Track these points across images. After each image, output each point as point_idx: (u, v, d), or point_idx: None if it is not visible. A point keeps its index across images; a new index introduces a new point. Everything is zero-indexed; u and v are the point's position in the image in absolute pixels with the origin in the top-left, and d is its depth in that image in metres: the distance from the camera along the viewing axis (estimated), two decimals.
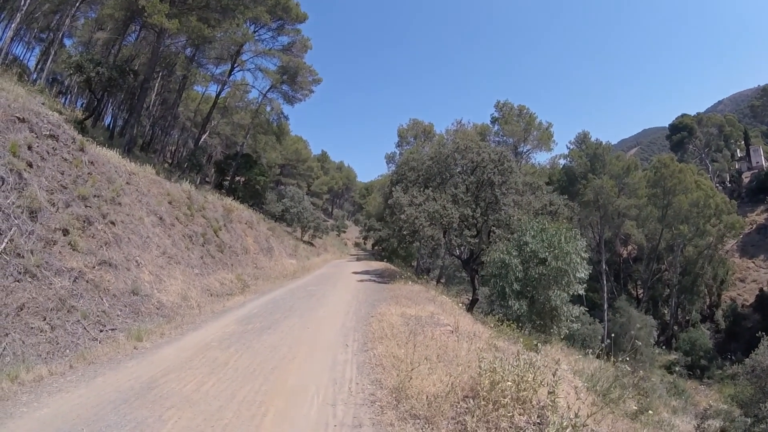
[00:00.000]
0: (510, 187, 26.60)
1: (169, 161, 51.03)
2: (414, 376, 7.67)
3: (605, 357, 10.08)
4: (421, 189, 26.91)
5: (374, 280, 26.20)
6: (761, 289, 62.35)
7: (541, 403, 6.56)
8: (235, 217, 27.83)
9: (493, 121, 56.63)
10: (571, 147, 61.99)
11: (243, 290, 19.32)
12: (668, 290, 62.14)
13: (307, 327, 12.86)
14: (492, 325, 14.40)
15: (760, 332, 24.01)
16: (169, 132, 55.35)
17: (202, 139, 43.59)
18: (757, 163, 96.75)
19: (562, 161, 62.57)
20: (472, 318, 16.44)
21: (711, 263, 61.21)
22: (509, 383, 6.56)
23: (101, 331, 10.33)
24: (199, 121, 48.93)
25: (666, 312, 61.42)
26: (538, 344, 11.39)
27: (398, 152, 55.52)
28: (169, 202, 19.83)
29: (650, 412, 12.02)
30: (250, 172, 46.45)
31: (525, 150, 55.67)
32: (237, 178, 47.18)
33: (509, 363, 7.19)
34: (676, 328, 57.48)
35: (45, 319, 9.28)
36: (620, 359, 8.55)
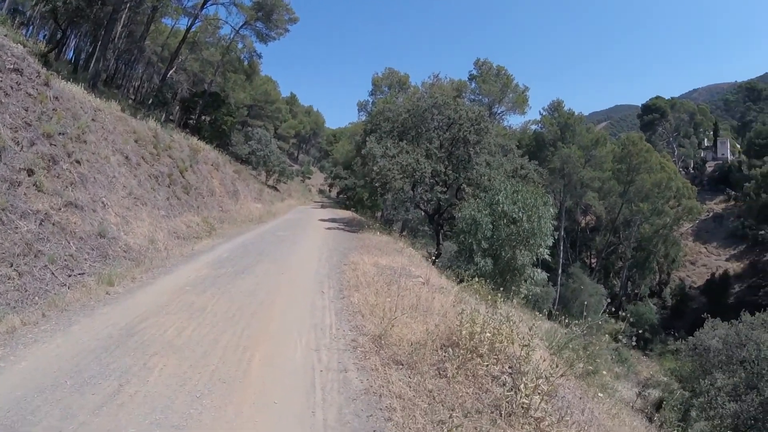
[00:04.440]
0: (483, 147, 26.53)
1: (133, 97, 48.59)
2: (394, 324, 7.84)
3: (556, 319, 10.27)
4: (396, 141, 26.60)
5: (342, 229, 26.23)
6: (712, 274, 65.49)
7: (515, 356, 6.88)
8: (202, 157, 26.88)
9: (471, 78, 55.85)
10: (544, 113, 61.84)
11: (210, 233, 18.81)
12: (621, 263, 64.16)
13: (281, 273, 12.80)
14: (458, 280, 14.58)
15: (705, 314, 25.08)
16: (134, 66, 52.45)
17: (168, 75, 41.73)
18: (723, 155, 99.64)
19: (533, 126, 62.54)
20: (438, 271, 16.53)
21: (665, 243, 63.12)
22: (488, 335, 6.98)
23: (70, 276, 9.70)
24: (167, 56, 46.26)
25: (617, 283, 63.53)
26: (501, 301, 11.52)
27: (371, 101, 54.22)
28: (135, 141, 18.78)
29: (604, 372, 12.46)
30: (217, 112, 44.81)
31: (499, 111, 55.36)
32: (203, 117, 45.64)
33: (486, 316, 7.54)
34: (624, 299, 59.40)
35: (12, 266, 8.61)
36: (572, 323, 8.72)
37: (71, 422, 4.77)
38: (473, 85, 55.45)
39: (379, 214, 47.18)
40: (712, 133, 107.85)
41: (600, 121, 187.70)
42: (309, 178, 79.73)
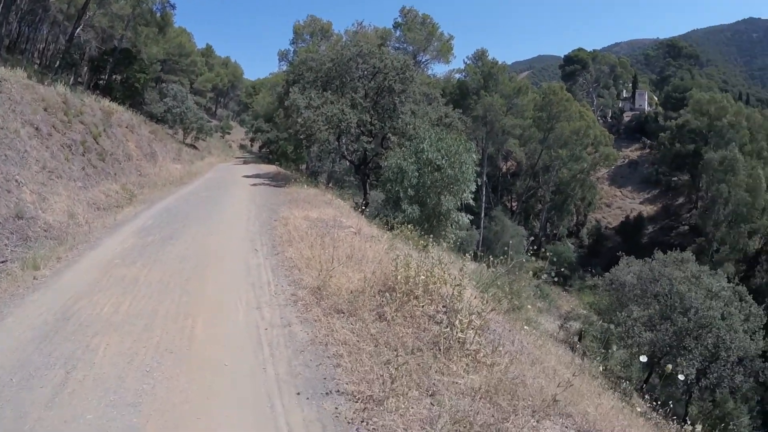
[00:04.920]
0: (409, 96, 26.49)
1: (38, 62, 44.97)
2: (331, 275, 7.95)
3: (481, 260, 10.68)
4: (320, 91, 25.94)
5: (268, 184, 25.82)
6: (627, 216, 70.14)
7: (448, 295, 7.11)
8: (115, 120, 25.29)
9: (396, 26, 54.74)
10: (468, 63, 62.31)
11: (131, 201, 18.03)
12: (540, 206, 67.10)
13: (210, 234, 12.58)
14: (388, 227, 14.79)
15: (620, 252, 26.83)
16: (39, 28, 48.08)
17: (76, 34, 38.72)
18: (640, 106, 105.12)
19: (458, 75, 62.89)
20: (367, 221, 16.67)
21: (582, 186, 66.55)
22: (422, 277, 7.26)
23: None
24: (73, 13, 42.25)
25: (537, 225, 66.66)
26: (429, 245, 11.83)
27: (293, 50, 52.53)
28: (45, 109, 17.36)
29: (529, 307, 13.09)
30: (129, 69, 42.02)
31: (424, 60, 54.82)
32: (114, 77, 42.78)
33: (419, 260, 7.87)
34: (544, 240, 62.07)
35: None
36: (495, 263, 9.15)
37: (26, 421, 4.51)
38: (398, 33, 54.56)
39: (304, 166, 46.29)
40: (631, 85, 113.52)
41: (523, 70, 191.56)
42: (229, 134, 77.05)
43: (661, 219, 70.52)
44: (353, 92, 26.15)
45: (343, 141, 26.82)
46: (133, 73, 42.02)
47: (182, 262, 9.87)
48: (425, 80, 43.73)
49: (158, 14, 46.31)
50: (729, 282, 22.70)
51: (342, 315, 6.86)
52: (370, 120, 25.34)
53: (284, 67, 51.80)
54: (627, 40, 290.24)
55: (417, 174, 18.50)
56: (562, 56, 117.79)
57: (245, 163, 48.15)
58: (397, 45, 53.63)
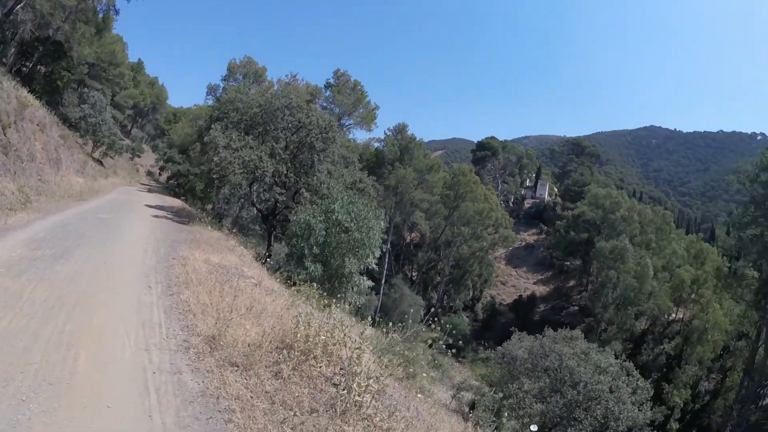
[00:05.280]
0: (327, 156, 27.01)
1: None
2: (229, 325, 7.74)
3: (379, 326, 10.96)
4: (242, 134, 25.85)
5: (171, 218, 24.87)
6: (520, 295, 74.03)
7: (347, 358, 7.23)
8: (29, 114, 23.88)
9: (327, 86, 55.83)
10: (389, 134, 64.26)
11: (25, 206, 16.73)
12: (439, 278, 69.17)
13: (104, 260, 11.96)
14: (289, 283, 14.74)
15: (513, 327, 28.18)
16: None
17: (15, 10, 36.41)
18: (541, 195, 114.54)
19: (376, 144, 64.53)
20: (269, 273, 16.59)
21: (480, 263, 69.64)
22: (322, 338, 7.30)
23: None
24: None
25: (434, 296, 68.52)
26: (331, 306, 11.99)
27: (223, 86, 52.30)
28: None
29: (424, 375, 13.36)
30: (55, 64, 40.19)
31: (348, 123, 56.11)
32: (39, 67, 40.90)
33: (321, 320, 7.91)
34: (441, 311, 63.21)
35: None
36: (393, 330, 9.21)
37: None
38: (328, 93, 55.68)
39: (210, 206, 45.43)
40: (534, 175, 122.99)
41: (437, 149, 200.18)
42: (139, 157, 74.45)
43: (553, 299, 75.02)
44: (274, 141, 26.28)
45: (255, 188, 26.75)
46: (58, 69, 40.20)
47: (71, 284, 9.31)
48: (345, 143, 44.78)
49: (101, 14, 45.06)
50: (616, 358, 23.99)
51: (236, 368, 6.64)
52: (286, 172, 25.49)
53: (210, 102, 51.43)
54: (536, 134, 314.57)
55: (324, 233, 18.74)
56: (476, 141, 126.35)
57: (150, 191, 46.18)
58: (324, 104, 54.57)
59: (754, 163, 39.31)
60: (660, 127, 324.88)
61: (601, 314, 60.19)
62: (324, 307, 11.96)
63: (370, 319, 10.52)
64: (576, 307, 71.26)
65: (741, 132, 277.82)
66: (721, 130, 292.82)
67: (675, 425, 42.26)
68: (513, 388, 21.91)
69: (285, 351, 7.02)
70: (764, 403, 36.40)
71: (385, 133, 65.45)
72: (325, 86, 56.36)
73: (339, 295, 18.40)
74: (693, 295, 59.80)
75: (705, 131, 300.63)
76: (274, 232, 27.64)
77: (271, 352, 7.11)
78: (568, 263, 79.49)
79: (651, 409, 23.12)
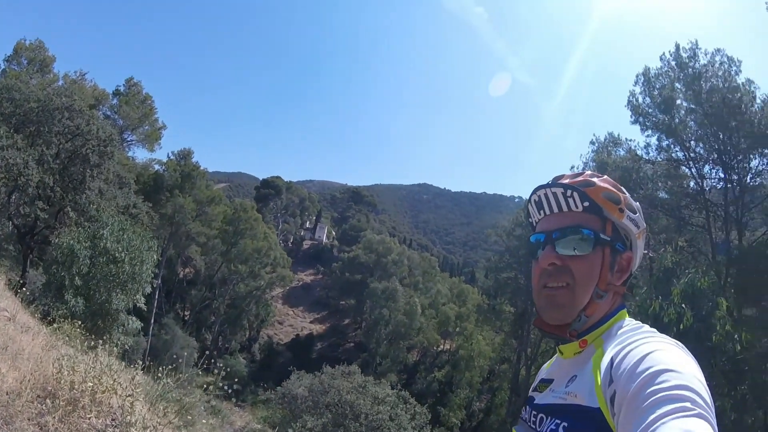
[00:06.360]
0: (102, 173, 24.06)
1: None
2: None
3: (149, 371, 10.10)
4: (11, 131, 21.39)
5: None
6: (298, 334, 74.56)
7: (119, 407, 6.55)
8: None
9: (116, 94, 50.00)
10: (172, 157, 60.01)
11: None
12: (214, 318, 65.91)
13: None
14: (47, 318, 13.13)
15: (291, 367, 28.49)
16: None
17: None
18: (319, 237, 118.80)
19: (157, 166, 59.82)
20: (23, 305, 14.19)
21: (257, 303, 68.37)
22: (89, 384, 6.46)
23: None
24: None
25: (208, 337, 64.97)
26: (101, 349, 10.52)
27: (2, 68, 43.53)
28: None
29: (204, 421, 12.24)
30: None
31: (130, 139, 51.47)
32: None
33: (87, 364, 7.03)
34: (215, 353, 60.16)
35: None
36: (165, 375, 8.64)
37: None
38: (115, 101, 50.03)
39: None
40: (315, 218, 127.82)
41: (221, 181, 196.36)
42: None
43: (330, 337, 76.96)
44: (46, 146, 22.46)
45: (14, 199, 22.78)
46: None
47: None
48: (124, 161, 40.98)
49: None
50: (393, 389, 25.45)
51: None
52: (52, 185, 22.01)
53: None
54: (320, 179, 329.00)
55: (89, 262, 16.56)
56: (261, 179, 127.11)
57: None
58: (109, 113, 48.83)
59: (510, 220, 47.53)
60: (432, 185, 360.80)
61: (376, 349, 63.38)
62: (89, 349, 10.48)
63: (140, 363, 9.46)
64: (352, 344, 74.14)
65: (502, 194, 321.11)
66: (485, 192, 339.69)
67: None
68: (296, 427, 21.85)
69: (48, 400, 5.98)
70: None
71: (168, 156, 60.80)
72: (113, 93, 50.95)
73: (105, 336, 16.46)
74: (458, 329, 65.60)
75: (470, 191, 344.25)
76: (31, 256, 23.73)
77: (33, 402, 5.98)
78: (344, 302, 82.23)
79: (431, 431, 24.42)
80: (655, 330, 1.36)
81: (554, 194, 1.48)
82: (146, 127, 51.63)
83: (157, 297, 51.17)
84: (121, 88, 51.54)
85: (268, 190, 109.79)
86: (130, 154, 52.91)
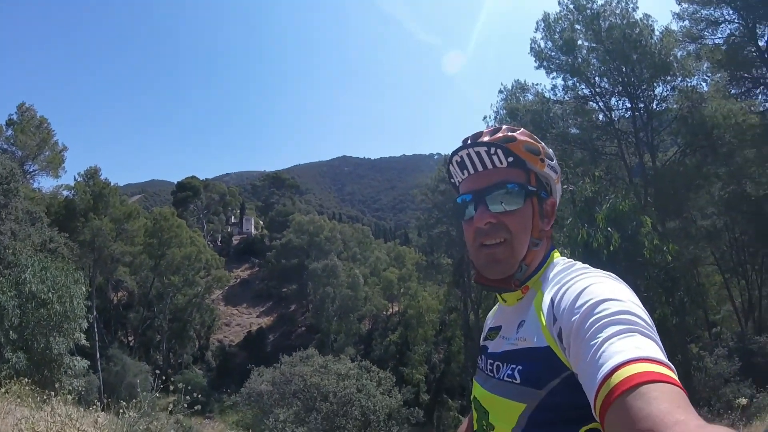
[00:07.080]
0: (11, 213, 22.73)
1: None
2: None
3: (108, 408, 10.00)
4: None
5: None
6: (248, 332, 73.51)
7: None
8: None
9: (9, 124, 45.56)
10: (79, 180, 56.76)
11: None
12: (159, 336, 63.96)
13: None
14: None
15: (249, 365, 27.47)
16: None
17: None
18: (247, 230, 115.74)
19: (66, 192, 56.32)
20: None
21: (200, 310, 67.03)
22: None
23: None
24: None
25: (159, 357, 63.47)
26: (51, 401, 10.23)
27: None
28: None
29: None
30: None
31: (32, 170, 47.89)
32: None
33: (47, 420, 6.91)
34: (170, 371, 58.87)
35: None
36: (126, 408, 8.46)
37: None
38: (9, 132, 45.89)
39: None
40: (239, 211, 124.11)
41: (135, 193, 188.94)
42: None
43: (280, 327, 76.01)
44: None
45: None
46: None
47: None
48: (30, 194, 38.59)
49: None
50: (353, 362, 25.38)
51: None
52: None
53: None
54: (236, 171, 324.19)
55: (19, 311, 15.59)
56: (176, 182, 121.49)
57: None
58: (5, 146, 44.64)
59: (433, 177, 47.97)
60: (351, 156, 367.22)
61: (328, 327, 63.31)
62: (43, 404, 10.12)
63: (98, 403, 9.24)
64: (303, 328, 73.69)
65: (421, 154, 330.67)
66: (404, 154, 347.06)
67: (426, 396, 46.24)
68: (270, 423, 21.59)
69: None
70: None
71: (75, 178, 57.28)
72: (6, 124, 45.90)
73: (56, 385, 15.83)
74: (402, 290, 67.03)
75: (390, 156, 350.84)
76: None
77: None
78: (286, 289, 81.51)
79: (400, 392, 25.18)
80: (587, 265, 1.48)
81: (477, 153, 1.51)
82: (47, 153, 47.87)
83: (96, 330, 49.16)
84: (14, 117, 47.62)
85: (186, 192, 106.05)
86: (35, 185, 49.19)
